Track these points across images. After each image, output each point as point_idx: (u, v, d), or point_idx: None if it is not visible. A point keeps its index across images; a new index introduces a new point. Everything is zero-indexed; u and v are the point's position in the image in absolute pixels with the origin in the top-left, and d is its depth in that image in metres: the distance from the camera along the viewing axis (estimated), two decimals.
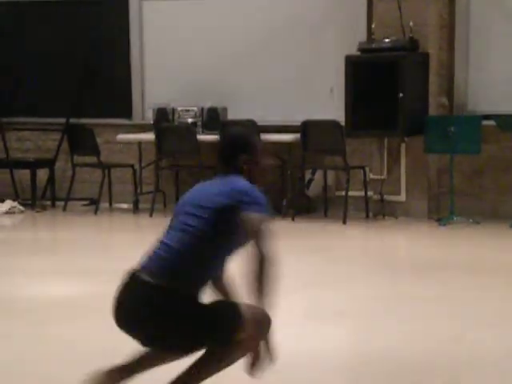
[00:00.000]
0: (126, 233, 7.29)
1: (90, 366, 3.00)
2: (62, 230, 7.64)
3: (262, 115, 7.84)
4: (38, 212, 8.09)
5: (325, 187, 7.83)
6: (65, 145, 8.45)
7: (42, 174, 8.44)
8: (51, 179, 8.46)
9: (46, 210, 8.19)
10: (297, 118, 7.62)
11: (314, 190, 7.93)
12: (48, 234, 7.61)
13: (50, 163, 8.49)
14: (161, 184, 7.99)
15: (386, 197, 7.49)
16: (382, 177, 7.55)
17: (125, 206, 8.22)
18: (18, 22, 8.69)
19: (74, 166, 8.24)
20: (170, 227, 2.99)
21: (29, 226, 7.80)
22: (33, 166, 8.37)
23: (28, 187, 8.37)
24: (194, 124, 7.92)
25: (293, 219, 7.46)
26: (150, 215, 7.64)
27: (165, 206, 8.08)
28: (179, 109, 7.95)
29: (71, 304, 4.63)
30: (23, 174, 8.48)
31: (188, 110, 7.93)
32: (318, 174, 7.84)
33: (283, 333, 3.19)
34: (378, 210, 7.52)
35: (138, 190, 8.16)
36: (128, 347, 2.97)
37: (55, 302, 4.68)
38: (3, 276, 5.32)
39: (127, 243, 6.57)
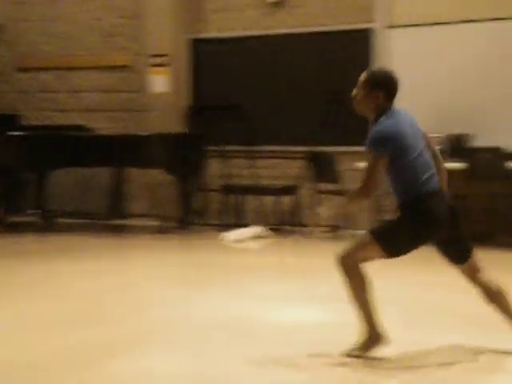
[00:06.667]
0: None
1: None
2: (305, 255, 7.82)
3: (510, 142, 7.53)
4: (282, 237, 8.35)
5: None
6: (308, 172, 8.66)
7: (287, 200, 8.72)
8: (295, 205, 8.71)
9: (290, 236, 8.43)
10: None
11: None
12: (292, 260, 7.81)
13: (293, 190, 8.77)
14: None
15: None
16: None
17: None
18: (270, 53, 9.08)
19: (317, 192, 8.41)
20: (422, 153, 4.05)
21: (274, 250, 8.07)
22: (278, 192, 8.66)
23: (274, 213, 8.68)
24: (440, 151, 7.77)
25: None
26: None
27: None
28: None
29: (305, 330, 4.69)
30: (270, 200, 8.83)
31: (433, 137, 7.78)
32: None
33: None
34: None
35: (378, 217, 8.13)
36: None
37: (292, 326, 4.77)
38: (250, 299, 5.53)
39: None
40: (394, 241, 3.93)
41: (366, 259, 3.97)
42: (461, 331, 4.55)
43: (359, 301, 3.97)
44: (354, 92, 4.06)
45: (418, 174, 3.95)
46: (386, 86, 3.99)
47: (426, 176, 3.98)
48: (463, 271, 4.08)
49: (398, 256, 3.97)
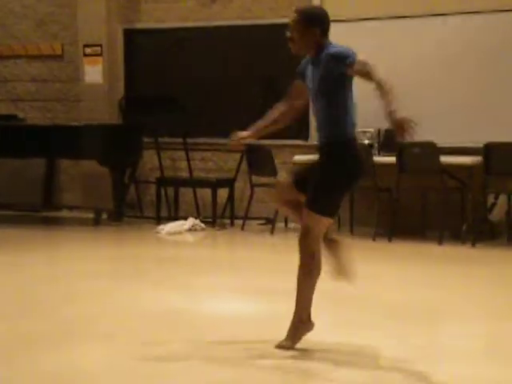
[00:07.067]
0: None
1: None
2: (239, 248, 7.82)
3: (441, 137, 7.65)
4: (218, 230, 8.33)
5: (508, 212, 7.50)
6: (244, 165, 8.66)
7: (223, 193, 8.71)
8: (231, 198, 8.71)
9: (225, 229, 8.42)
10: (478, 140, 7.39)
11: (496, 214, 7.62)
12: (227, 253, 7.80)
13: (230, 183, 8.75)
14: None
15: None
16: None
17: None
18: (206, 45, 9.04)
19: (252, 185, 8.42)
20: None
21: (209, 243, 8.05)
22: (214, 185, 8.65)
23: (210, 206, 8.66)
24: (371, 145, 7.86)
25: (473, 245, 7.19)
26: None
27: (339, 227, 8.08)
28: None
29: (240, 322, 4.70)
30: (205, 193, 8.80)
31: (365, 132, 7.88)
32: (502, 199, 7.53)
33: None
34: None
35: None
36: None
37: (226, 318, 4.77)
38: (184, 292, 5.51)
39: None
40: (327, 203, 3.87)
41: (322, 231, 3.91)
42: (379, 325, 4.61)
43: (306, 284, 3.93)
44: (289, 34, 4.01)
45: (351, 112, 3.94)
46: (320, 22, 3.99)
47: (354, 119, 3.98)
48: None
49: (337, 212, 3.96)
